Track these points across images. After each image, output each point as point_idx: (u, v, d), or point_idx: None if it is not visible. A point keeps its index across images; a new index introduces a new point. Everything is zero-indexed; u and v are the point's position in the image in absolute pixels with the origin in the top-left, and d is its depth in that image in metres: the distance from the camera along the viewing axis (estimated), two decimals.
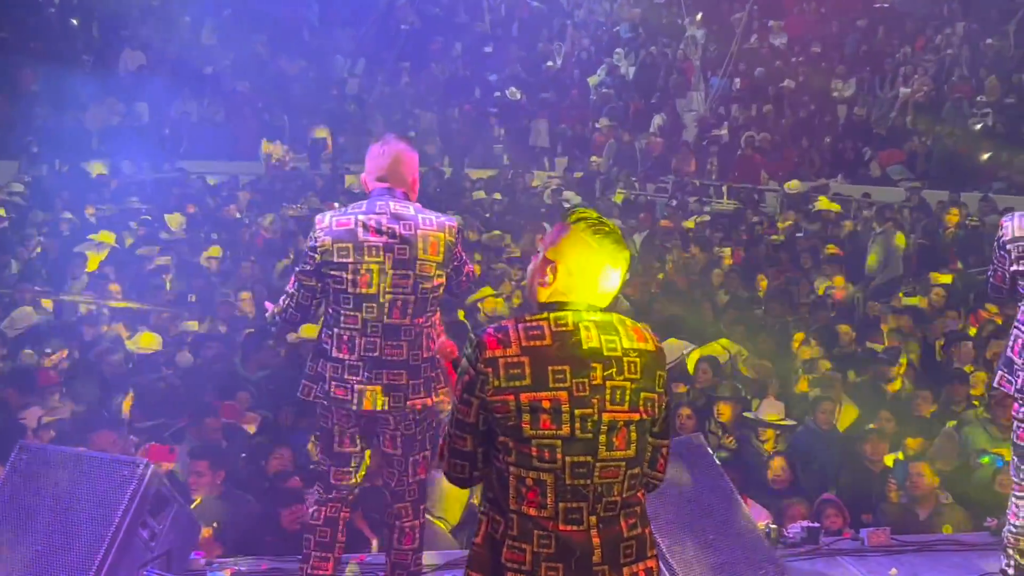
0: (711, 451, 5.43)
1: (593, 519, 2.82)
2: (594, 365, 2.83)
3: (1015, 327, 4.80)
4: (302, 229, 13.95)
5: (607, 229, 2.89)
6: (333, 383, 4.36)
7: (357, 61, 21.23)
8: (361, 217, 4.31)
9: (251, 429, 7.85)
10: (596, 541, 2.81)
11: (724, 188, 18.35)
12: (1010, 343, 4.81)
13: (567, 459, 2.81)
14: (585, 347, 2.82)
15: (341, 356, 4.35)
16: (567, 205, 16.09)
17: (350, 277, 4.28)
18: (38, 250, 12.12)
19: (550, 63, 21.76)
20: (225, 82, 19.01)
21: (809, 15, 22.27)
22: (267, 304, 4.94)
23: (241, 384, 8.60)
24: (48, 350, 8.85)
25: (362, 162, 4.65)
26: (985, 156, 17.54)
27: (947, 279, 12.17)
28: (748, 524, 5.27)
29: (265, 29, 20.37)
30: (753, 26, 21.33)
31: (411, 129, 18.50)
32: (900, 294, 12.07)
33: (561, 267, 2.88)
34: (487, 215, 15.33)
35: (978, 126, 18.23)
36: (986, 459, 7.42)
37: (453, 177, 17.89)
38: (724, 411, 8.06)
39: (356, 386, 4.34)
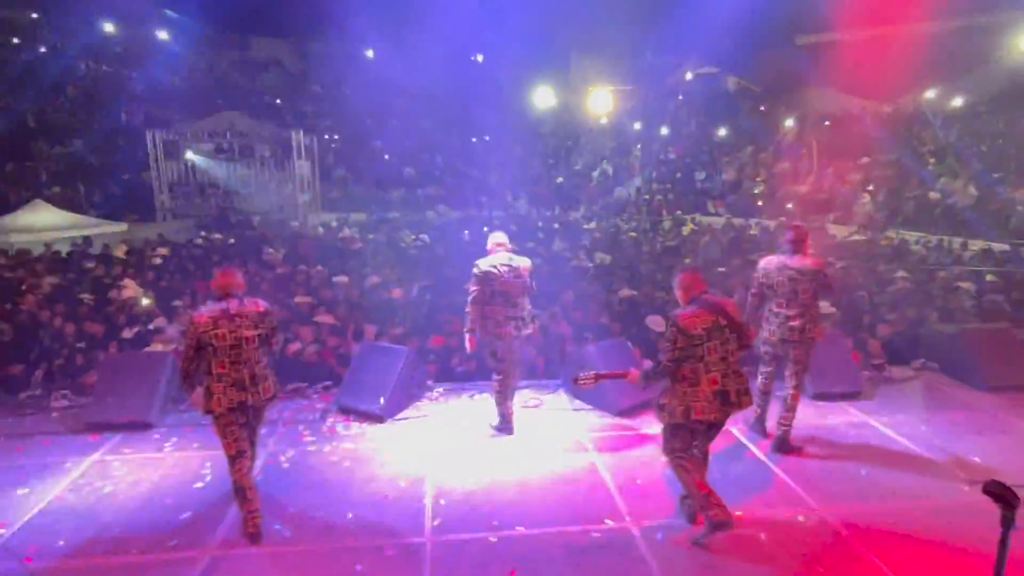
0: (629, 344, 7.88)
1: None
2: None
3: (769, 310, 6.41)
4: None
5: None
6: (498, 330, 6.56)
7: None
8: (497, 264, 6.59)
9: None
10: None
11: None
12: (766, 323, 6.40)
13: None
14: None
15: (498, 316, 6.57)
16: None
17: (499, 289, 6.52)
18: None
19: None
20: None
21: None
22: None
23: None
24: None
25: None
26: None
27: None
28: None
29: None
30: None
31: None
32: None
33: None
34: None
35: (756, 191, 22.24)
36: None
37: None
38: None
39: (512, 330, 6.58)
